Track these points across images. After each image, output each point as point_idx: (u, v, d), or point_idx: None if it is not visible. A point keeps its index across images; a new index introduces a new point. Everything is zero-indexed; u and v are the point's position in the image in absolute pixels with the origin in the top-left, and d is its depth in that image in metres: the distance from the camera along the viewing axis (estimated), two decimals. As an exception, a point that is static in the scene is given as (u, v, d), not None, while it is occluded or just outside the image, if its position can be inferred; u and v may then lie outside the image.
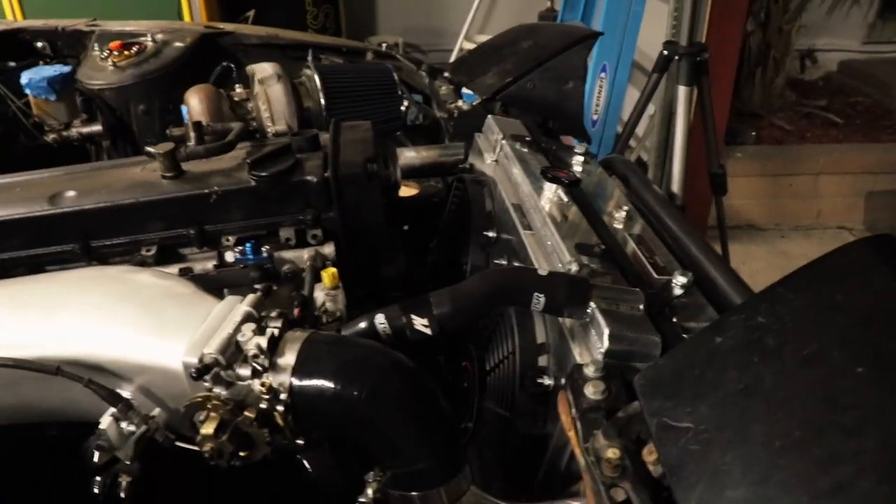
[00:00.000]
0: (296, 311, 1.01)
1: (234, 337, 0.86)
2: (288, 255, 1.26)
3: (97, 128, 1.97)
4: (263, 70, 1.73)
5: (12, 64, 2.11)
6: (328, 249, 1.27)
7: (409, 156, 1.61)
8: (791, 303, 0.73)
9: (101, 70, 2.02)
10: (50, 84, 1.86)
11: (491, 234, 1.34)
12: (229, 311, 0.91)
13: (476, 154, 1.60)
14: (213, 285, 1.19)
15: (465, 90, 1.99)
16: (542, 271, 0.96)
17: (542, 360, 1.04)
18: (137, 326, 0.93)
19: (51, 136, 1.94)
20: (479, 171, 1.55)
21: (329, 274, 1.14)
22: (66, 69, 1.92)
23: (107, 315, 0.95)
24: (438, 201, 1.68)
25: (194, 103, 1.67)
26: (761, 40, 4.81)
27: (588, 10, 4.49)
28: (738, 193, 4.21)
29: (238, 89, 1.79)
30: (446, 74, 2.08)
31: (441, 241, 1.58)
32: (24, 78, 1.86)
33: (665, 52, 3.05)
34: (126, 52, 2.06)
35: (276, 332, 0.86)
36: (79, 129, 1.96)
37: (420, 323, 0.96)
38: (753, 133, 4.73)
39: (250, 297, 0.94)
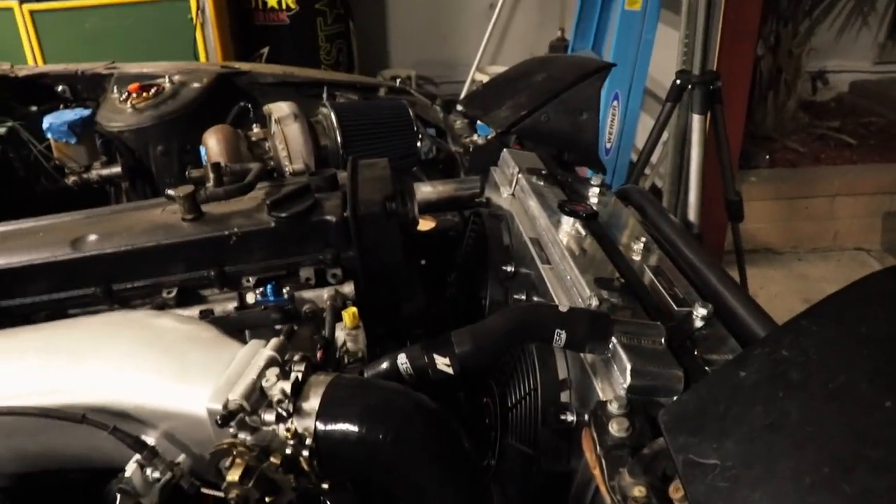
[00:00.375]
0: (319, 354, 1.01)
1: (258, 382, 0.86)
2: (308, 294, 1.27)
3: (116, 170, 1.99)
4: (280, 109, 1.75)
5: (34, 108, 2.15)
6: (348, 288, 1.28)
7: (425, 190, 1.62)
8: (815, 335, 0.72)
9: (120, 112, 2.05)
10: (70, 128, 1.88)
11: (509, 268, 1.34)
12: (253, 356, 0.91)
13: (492, 188, 1.60)
14: (235, 327, 1.19)
15: (479, 124, 1.99)
16: (563, 307, 0.96)
17: (564, 396, 1.03)
18: (161, 372, 0.93)
19: (71, 179, 1.97)
20: (496, 204, 1.55)
21: (350, 314, 1.14)
22: (86, 112, 1.95)
23: (130, 361, 0.95)
24: (455, 235, 1.68)
25: (212, 144, 1.68)
26: (772, 64, 4.82)
27: (599, 38, 4.52)
28: (753, 217, 4.18)
29: (255, 129, 1.80)
30: (460, 108, 2.08)
31: (459, 275, 1.58)
32: (46, 122, 1.88)
33: (678, 82, 3.06)
34: (144, 94, 2.09)
35: (300, 376, 0.86)
36: (98, 172, 1.98)
37: (442, 362, 0.95)
38: (767, 156, 4.72)
39: (274, 342, 0.94)
